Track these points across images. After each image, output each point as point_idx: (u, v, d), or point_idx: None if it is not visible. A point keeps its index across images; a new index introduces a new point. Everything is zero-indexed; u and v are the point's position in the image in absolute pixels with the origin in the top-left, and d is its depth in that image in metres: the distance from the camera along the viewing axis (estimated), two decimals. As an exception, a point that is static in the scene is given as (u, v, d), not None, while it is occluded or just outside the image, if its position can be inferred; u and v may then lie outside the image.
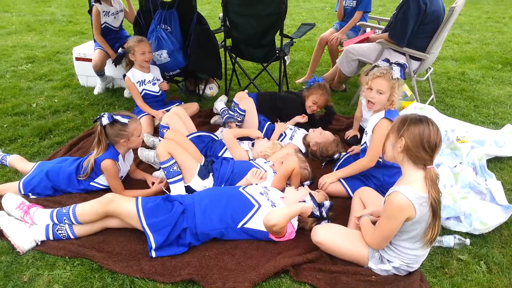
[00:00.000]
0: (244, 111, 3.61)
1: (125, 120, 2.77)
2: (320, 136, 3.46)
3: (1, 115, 4.06)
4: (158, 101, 4.02)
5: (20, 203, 2.55)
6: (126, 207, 2.37)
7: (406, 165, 2.08)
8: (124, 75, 3.92)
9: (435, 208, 2.00)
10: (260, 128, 3.58)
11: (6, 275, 2.20)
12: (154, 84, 3.96)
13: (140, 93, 3.88)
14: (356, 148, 3.35)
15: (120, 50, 4.09)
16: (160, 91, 4.02)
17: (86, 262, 2.29)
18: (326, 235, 2.32)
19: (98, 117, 2.78)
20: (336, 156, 3.39)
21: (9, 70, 5.33)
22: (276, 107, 3.93)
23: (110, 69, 4.72)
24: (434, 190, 1.99)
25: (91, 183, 2.89)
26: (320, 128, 3.58)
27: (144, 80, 3.89)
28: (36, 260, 2.31)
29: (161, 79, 4.04)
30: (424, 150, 2.00)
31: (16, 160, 3.11)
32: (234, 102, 3.80)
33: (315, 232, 2.34)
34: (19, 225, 2.44)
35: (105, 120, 2.73)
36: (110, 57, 4.52)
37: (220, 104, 4.13)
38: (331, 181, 2.94)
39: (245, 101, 3.66)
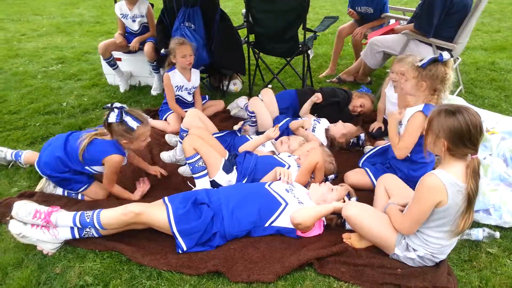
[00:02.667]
0: (252, 112, 3.58)
1: (133, 125, 2.63)
2: (344, 127, 3.50)
3: (33, 114, 4.21)
4: (189, 106, 4.00)
5: (35, 211, 2.39)
6: (157, 218, 2.34)
7: (448, 157, 2.02)
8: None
9: (471, 199, 1.95)
10: (281, 119, 3.61)
11: (40, 267, 2.29)
12: (189, 93, 3.96)
13: (175, 96, 3.90)
14: (380, 143, 3.33)
15: (163, 50, 4.01)
16: (192, 100, 4.03)
17: (115, 255, 2.35)
18: (358, 211, 2.31)
19: (107, 106, 2.64)
20: (362, 138, 3.45)
21: (40, 71, 5.51)
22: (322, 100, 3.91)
23: (128, 65, 4.83)
24: (474, 180, 1.93)
25: (86, 167, 2.76)
26: (340, 121, 3.60)
27: (182, 86, 3.88)
28: (67, 253, 2.39)
29: (197, 87, 4.01)
30: (465, 146, 1.94)
31: (29, 156, 3.22)
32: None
33: (347, 207, 2.33)
34: (43, 235, 2.37)
35: (112, 118, 2.61)
36: (115, 41, 4.58)
37: (242, 100, 4.16)
38: (391, 117, 2.83)
39: (252, 102, 3.64)
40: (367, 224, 2.27)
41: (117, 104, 2.65)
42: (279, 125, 3.32)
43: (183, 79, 3.85)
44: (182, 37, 3.99)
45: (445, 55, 2.59)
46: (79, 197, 2.90)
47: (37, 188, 2.93)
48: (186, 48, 3.72)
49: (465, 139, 1.92)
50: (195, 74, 3.95)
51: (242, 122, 3.50)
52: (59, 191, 2.92)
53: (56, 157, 2.73)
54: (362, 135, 3.50)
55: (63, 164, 2.74)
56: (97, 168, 2.78)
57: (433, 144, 2.04)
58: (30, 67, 5.66)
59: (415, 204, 2.07)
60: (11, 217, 2.41)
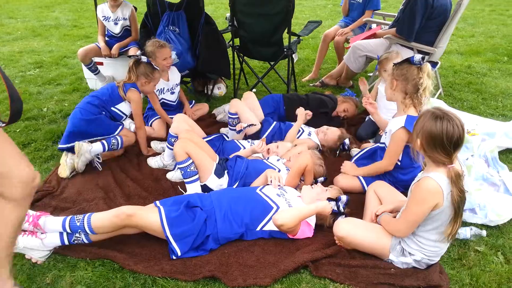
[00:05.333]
0: (235, 114, 3.51)
1: (157, 67, 3.38)
2: (324, 138, 3.53)
3: (13, 120, 4.10)
4: (174, 110, 4.01)
5: None
6: (149, 220, 2.31)
7: (428, 160, 2.08)
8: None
9: (455, 205, 1.99)
10: (268, 127, 3.60)
11: (29, 278, 2.23)
12: (172, 93, 3.96)
13: (159, 101, 3.87)
14: (367, 145, 3.40)
15: (138, 52, 3.98)
16: (176, 100, 4.03)
17: (107, 263, 2.31)
18: (349, 228, 2.33)
19: (136, 55, 3.36)
20: (346, 144, 3.47)
21: (17, 76, 5.37)
22: (307, 107, 3.93)
23: (110, 69, 4.77)
24: (457, 188, 1.97)
25: (112, 108, 3.31)
26: (324, 127, 3.62)
27: (163, 88, 3.87)
28: (57, 262, 2.34)
29: (179, 83, 4.02)
30: (438, 152, 1.98)
31: None
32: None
33: (338, 227, 2.36)
34: (29, 241, 2.31)
35: (144, 59, 3.31)
36: (102, 52, 4.53)
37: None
38: (350, 172, 3.02)
39: (233, 103, 3.58)
40: (359, 237, 2.31)
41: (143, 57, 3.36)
42: (265, 137, 3.41)
43: (162, 81, 3.85)
44: (164, 41, 3.94)
45: (416, 57, 2.60)
46: (119, 141, 3.27)
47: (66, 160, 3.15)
48: (167, 51, 3.72)
49: (437, 145, 1.96)
50: (172, 71, 3.95)
51: (244, 124, 3.43)
52: (96, 147, 3.16)
53: (86, 104, 3.27)
54: (346, 140, 3.51)
55: (95, 105, 3.26)
56: (121, 107, 3.34)
57: (414, 140, 2.09)
58: (6, 72, 5.47)
59: (412, 207, 2.11)
60: None
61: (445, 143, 1.94)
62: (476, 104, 4.44)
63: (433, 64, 2.70)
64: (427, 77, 2.61)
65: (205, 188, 2.84)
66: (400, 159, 2.79)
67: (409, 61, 2.63)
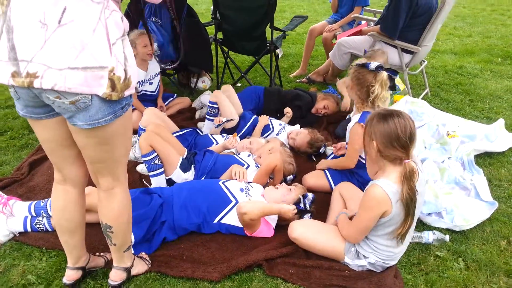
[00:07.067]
0: (215, 103, 3.54)
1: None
2: (294, 145, 3.45)
3: (-7, 107, 4.10)
4: (154, 100, 4.00)
5: None
6: None
7: (383, 162, 2.04)
8: None
9: (405, 204, 1.95)
10: (245, 122, 3.58)
11: (-18, 266, 2.23)
12: (151, 83, 3.92)
13: (139, 93, 3.86)
14: (342, 144, 3.35)
15: None
16: (156, 90, 4.00)
17: (62, 254, 2.28)
18: (302, 231, 2.30)
19: None
20: (321, 150, 3.38)
21: None
22: (285, 102, 3.92)
23: None
24: (407, 186, 1.93)
25: None
26: (293, 132, 3.52)
27: (144, 80, 3.85)
28: (13, 250, 2.33)
29: (159, 73, 4.00)
30: (395, 149, 1.95)
31: None
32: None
33: (292, 228, 2.32)
34: None
35: None
36: None
37: (206, 97, 4.13)
38: (319, 166, 3.07)
39: (215, 93, 3.60)
40: (313, 240, 2.28)
41: None
42: (236, 133, 3.39)
43: (142, 72, 3.81)
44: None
45: (372, 64, 2.58)
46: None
47: None
48: (147, 38, 3.68)
49: (393, 142, 1.94)
50: (151, 61, 3.91)
51: (223, 119, 3.43)
52: None
53: None
54: (322, 149, 3.41)
55: None
56: None
57: (368, 147, 2.07)
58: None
59: (361, 214, 2.08)
60: None
61: (401, 137, 1.93)
62: (461, 105, 4.37)
63: (394, 73, 2.65)
64: (379, 86, 2.58)
65: (170, 182, 2.82)
66: (364, 157, 2.75)
67: (364, 66, 2.61)
